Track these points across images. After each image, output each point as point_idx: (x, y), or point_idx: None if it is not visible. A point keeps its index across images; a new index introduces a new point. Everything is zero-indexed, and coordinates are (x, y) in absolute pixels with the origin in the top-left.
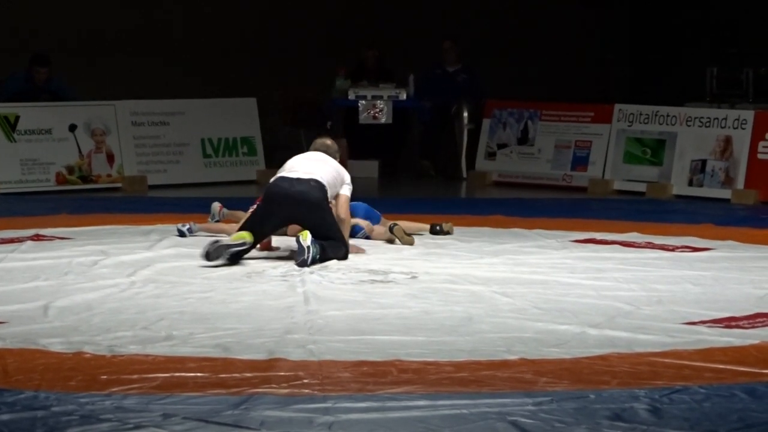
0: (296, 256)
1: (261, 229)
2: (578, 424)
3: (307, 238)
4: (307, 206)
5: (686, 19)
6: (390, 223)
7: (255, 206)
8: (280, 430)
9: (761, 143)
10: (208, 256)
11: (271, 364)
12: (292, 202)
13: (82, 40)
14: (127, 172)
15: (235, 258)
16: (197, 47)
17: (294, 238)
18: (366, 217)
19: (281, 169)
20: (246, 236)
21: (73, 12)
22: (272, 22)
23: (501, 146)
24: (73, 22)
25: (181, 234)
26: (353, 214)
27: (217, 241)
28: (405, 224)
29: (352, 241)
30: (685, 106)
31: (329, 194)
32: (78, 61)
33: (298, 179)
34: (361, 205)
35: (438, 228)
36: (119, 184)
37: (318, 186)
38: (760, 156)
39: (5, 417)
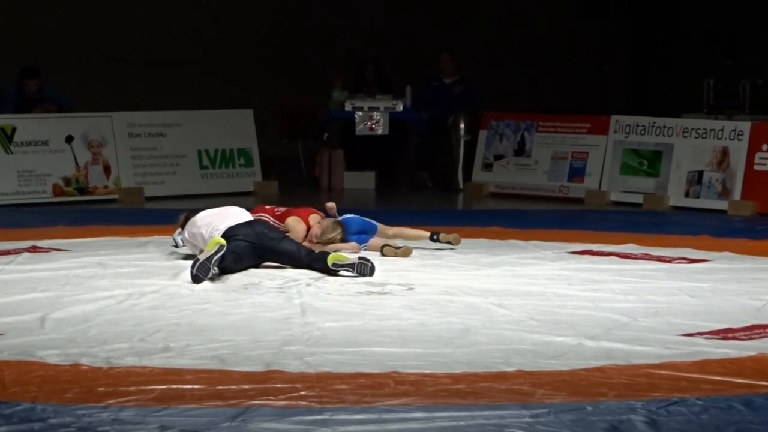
0: (359, 269)
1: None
2: None
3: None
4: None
5: (683, 30)
6: (381, 243)
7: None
8: None
9: (758, 154)
10: (197, 278)
11: (268, 375)
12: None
13: (79, 51)
14: (123, 184)
15: (223, 264)
16: (194, 59)
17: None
18: (361, 231)
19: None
20: (220, 241)
21: (71, 22)
22: (269, 34)
23: (498, 157)
24: (71, 32)
25: (177, 245)
26: (347, 228)
27: (196, 260)
28: (405, 232)
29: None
30: (681, 117)
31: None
32: (74, 72)
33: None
34: (354, 219)
35: (435, 237)
36: (116, 196)
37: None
38: (756, 167)
39: (3, 429)
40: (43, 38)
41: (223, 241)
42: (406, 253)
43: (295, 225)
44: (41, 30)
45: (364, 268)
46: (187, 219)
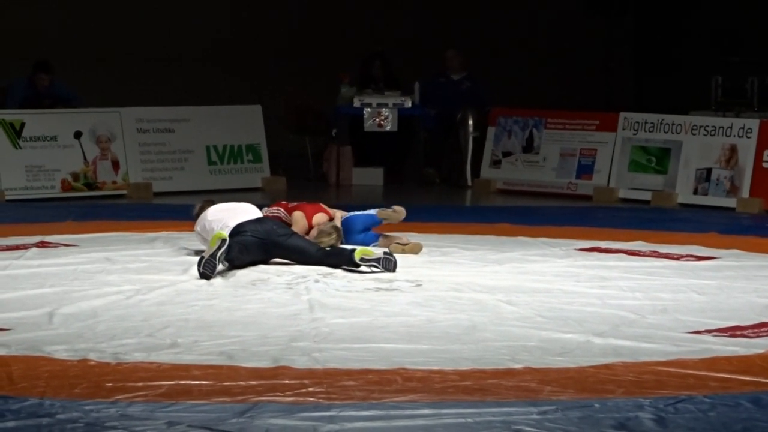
0: (385, 264)
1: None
2: None
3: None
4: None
5: (691, 27)
6: (389, 242)
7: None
8: None
9: (766, 152)
10: (205, 275)
11: (275, 372)
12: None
13: (87, 46)
14: (132, 179)
15: (229, 256)
16: (203, 55)
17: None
18: (365, 228)
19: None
20: (221, 235)
21: (79, 19)
22: (277, 29)
23: (506, 154)
24: (80, 28)
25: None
26: (351, 227)
27: (201, 258)
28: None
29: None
30: (690, 114)
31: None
32: (83, 67)
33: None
34: (357, 217)
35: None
36: (124, 191)
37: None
38: (765, 165)
39: (10, 424)
40: (51, 34)
41: (225, 235)
42: (414, 249)
43: (299, 219)
44: (50, 25)
45: (389, 263)
46: (202, 209)
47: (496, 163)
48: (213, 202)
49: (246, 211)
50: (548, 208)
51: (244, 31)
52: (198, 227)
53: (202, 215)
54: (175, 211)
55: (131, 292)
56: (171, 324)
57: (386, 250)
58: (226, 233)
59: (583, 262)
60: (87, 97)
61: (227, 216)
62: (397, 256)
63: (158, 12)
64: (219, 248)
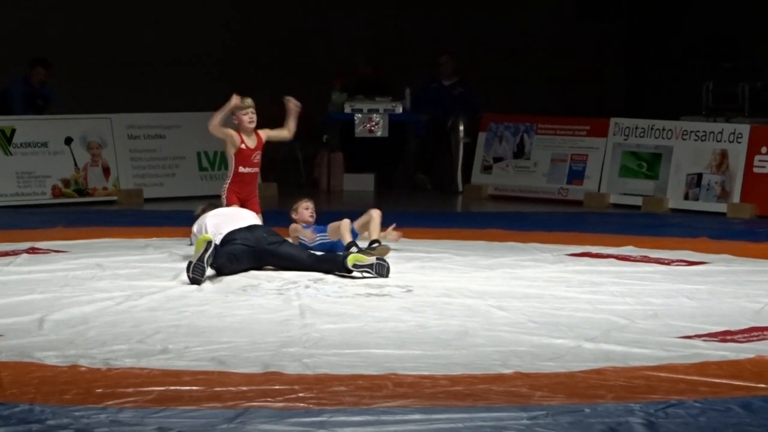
0: (378, 270)
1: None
2: None
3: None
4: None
5: (682, 33)
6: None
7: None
8: None
9: (757, 157)
10: (195, 280)
11: (266, 377)
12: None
13: (78, 53)
14: (122, 186)
15: (216, 261)
16: (193, 61)
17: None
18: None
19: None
20: (207, 237)
21: (70, 25)
22: (268, 36)
23: (497, 160)
24: (71, 34)
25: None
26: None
27: (189, 263)
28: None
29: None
30: (680, 119)
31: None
32: (73, 73)
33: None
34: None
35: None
36: (115, 198)
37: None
38: (755, 170)
39: (1, 430)
40: (42, 40)
41: (211, 237)
42: (381, 252)
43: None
44: (41, 32)
45: (382, 269)
46: (204, 211)
47: (487, 169)
48: (216, 206)
49: (244, 218)
50: (539, 214)
51: (235, 38)
52: (195, 227)
53: (202, 217)
54: (166, 217)
55: (122, 299)
56: (162, 330)
57: (379, 255)
58: (211, 236)
59: (574, 268)
60: (78, 103)
61: (223, 221)
62: (388, 260)
63: (150, 19)
64: (206, 251)
